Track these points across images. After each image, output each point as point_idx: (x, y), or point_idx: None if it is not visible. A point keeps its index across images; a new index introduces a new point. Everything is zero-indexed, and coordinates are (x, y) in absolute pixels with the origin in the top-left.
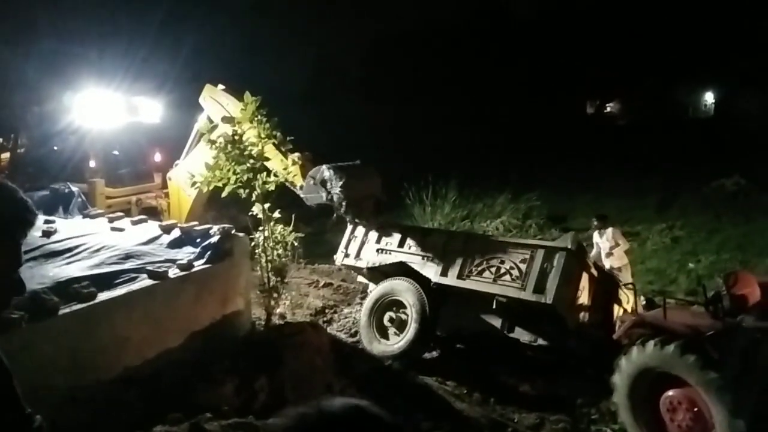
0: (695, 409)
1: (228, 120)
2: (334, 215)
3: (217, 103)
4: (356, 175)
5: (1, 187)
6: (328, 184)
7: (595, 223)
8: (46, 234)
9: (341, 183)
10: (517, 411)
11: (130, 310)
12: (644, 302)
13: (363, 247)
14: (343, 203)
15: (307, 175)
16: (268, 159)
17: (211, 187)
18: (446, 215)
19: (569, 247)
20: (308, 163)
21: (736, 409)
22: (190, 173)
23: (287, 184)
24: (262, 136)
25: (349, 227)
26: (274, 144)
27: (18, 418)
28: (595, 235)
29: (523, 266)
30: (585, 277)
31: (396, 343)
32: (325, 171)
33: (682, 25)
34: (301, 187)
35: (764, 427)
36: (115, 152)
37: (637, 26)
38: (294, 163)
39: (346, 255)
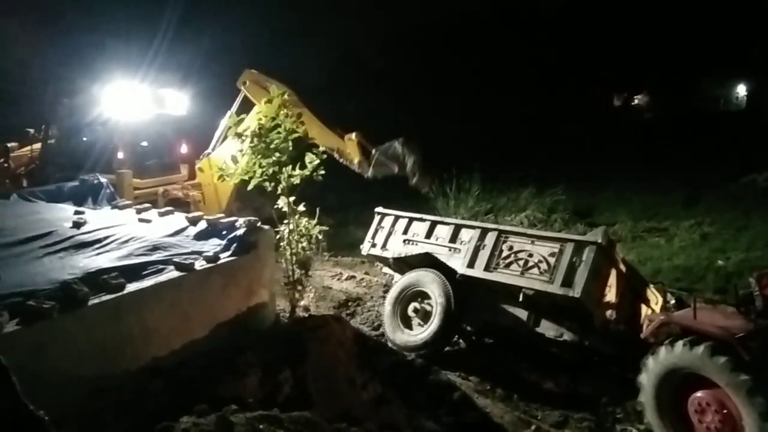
0: (724, 411)
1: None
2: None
3: (258, 87)
4: (417, 150)
5: None
6: (402, 158)
7: None
8: (76, 225)
9: (413, 157)
10: (540, 408)
11: (158, 301)
12: (673, 301)
13: (390, 237)
14: (417, 173)
15: (363, 151)
16: (295, 152)
17: (237, 180)
18: (470, 208)
19: (599, 241)
20: (363, 141)
21: (767, 413)
22: (228, 162)
23: (342, 160)
24: (288, 128)
25: (377, 218)
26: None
27: (15, 413)
28: None
29: (551, 260)
30: (613, 273)
31: (419, 333)
32: (398, 146)
33: (714, 15)
34: (359, 163)
35: None
36: (144, 143)
37: (669, 16)
38: (350, 140)
39: (373, 245)
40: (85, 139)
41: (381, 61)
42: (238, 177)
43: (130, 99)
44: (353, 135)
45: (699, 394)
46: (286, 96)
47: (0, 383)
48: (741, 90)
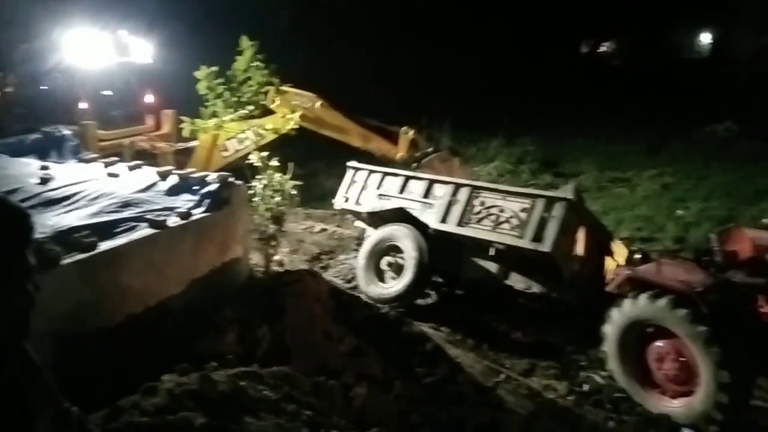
0: (682, 359)
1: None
2: None
3: (287, 101)
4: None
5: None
6: (449, 171)
7: None
8: (43, 181)
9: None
10: (509, 357)
11: (132, 259)
12: (638, 255)
13: (363, 192)
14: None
15: (413, 146)
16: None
17: (209, 135)
18: None
19: (570, 197)
20: (418, 136)
21: (722, 361)
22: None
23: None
24: (260, 81)
25: (349, 172)
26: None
27: (55, 413)
28: None
29: (523, 215)
30: (581, 228)
31: (393, 286)
32: (455, 160)
33: None
34: (401, 158)
35: (746, 377)
36: (108, 92)
37: None
38: (405, 135)
39: (346, 199)
40: (44, 87)
41: (349, 6)
42: (210, 131)
43: (91, 45)
44: (411, 132)
45: (659, 343)
46: (318, 105)
47: (36, 383)
48: (705, 38)
